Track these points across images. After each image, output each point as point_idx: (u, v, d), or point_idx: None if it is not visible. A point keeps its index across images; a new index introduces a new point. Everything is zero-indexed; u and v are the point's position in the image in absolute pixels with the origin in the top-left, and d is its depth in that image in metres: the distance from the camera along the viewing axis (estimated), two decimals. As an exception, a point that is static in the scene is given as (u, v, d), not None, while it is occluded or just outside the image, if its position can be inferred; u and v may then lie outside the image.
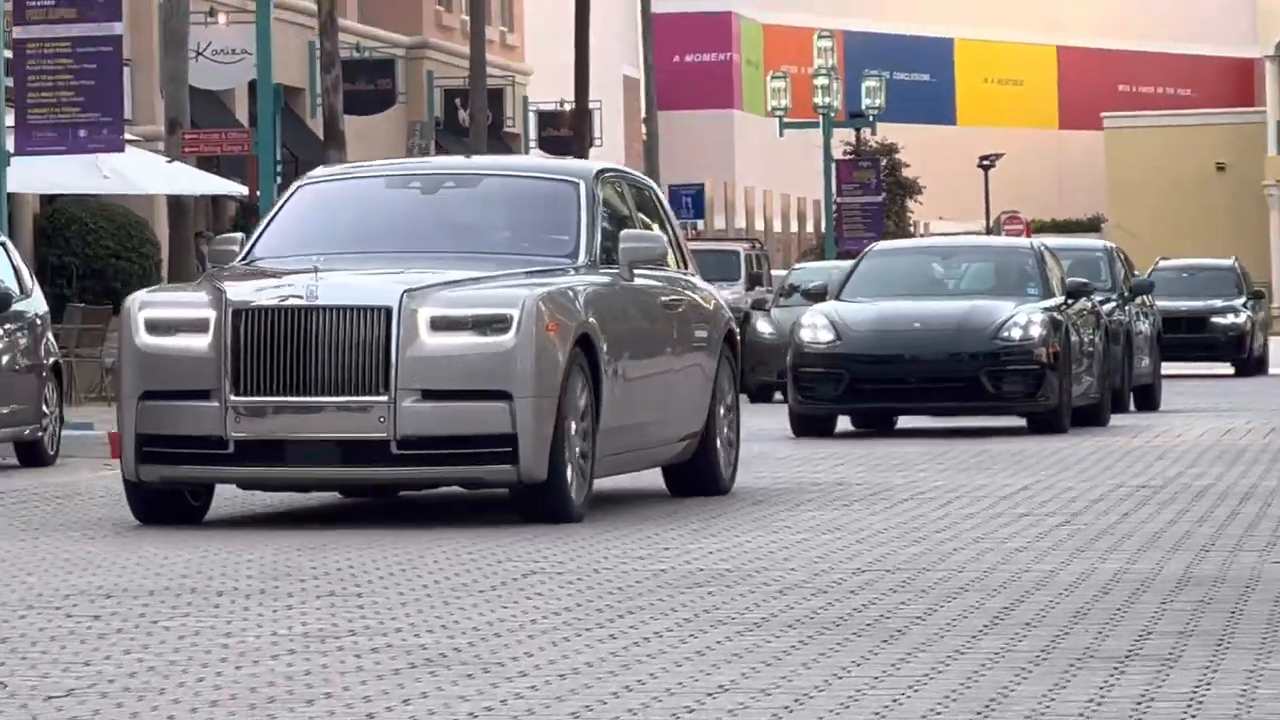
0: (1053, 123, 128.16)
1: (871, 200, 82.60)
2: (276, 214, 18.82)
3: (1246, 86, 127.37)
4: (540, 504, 16.32)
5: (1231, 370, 54.16)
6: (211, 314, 15.71)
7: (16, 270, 29.82)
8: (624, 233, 18.52)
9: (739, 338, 29.54)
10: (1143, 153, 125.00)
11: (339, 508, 19.69)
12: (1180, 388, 48.60)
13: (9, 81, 36.19)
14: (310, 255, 17.66)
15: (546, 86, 75.60)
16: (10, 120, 35.87)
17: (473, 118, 64.71)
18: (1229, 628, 12.70)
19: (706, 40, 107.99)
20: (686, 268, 21.07)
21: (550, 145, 73.52)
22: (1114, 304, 38.32)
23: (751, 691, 10.65)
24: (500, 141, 70.95)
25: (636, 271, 18.68)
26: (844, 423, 30.35)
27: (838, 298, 30.30)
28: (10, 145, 35.86)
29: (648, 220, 20.32)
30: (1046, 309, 28.61)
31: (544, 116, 75.64)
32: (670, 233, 20.86)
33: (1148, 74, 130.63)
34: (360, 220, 18.68)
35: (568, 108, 71.88)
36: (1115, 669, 11.22)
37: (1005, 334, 27.99)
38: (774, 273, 61.01)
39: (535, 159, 25.10)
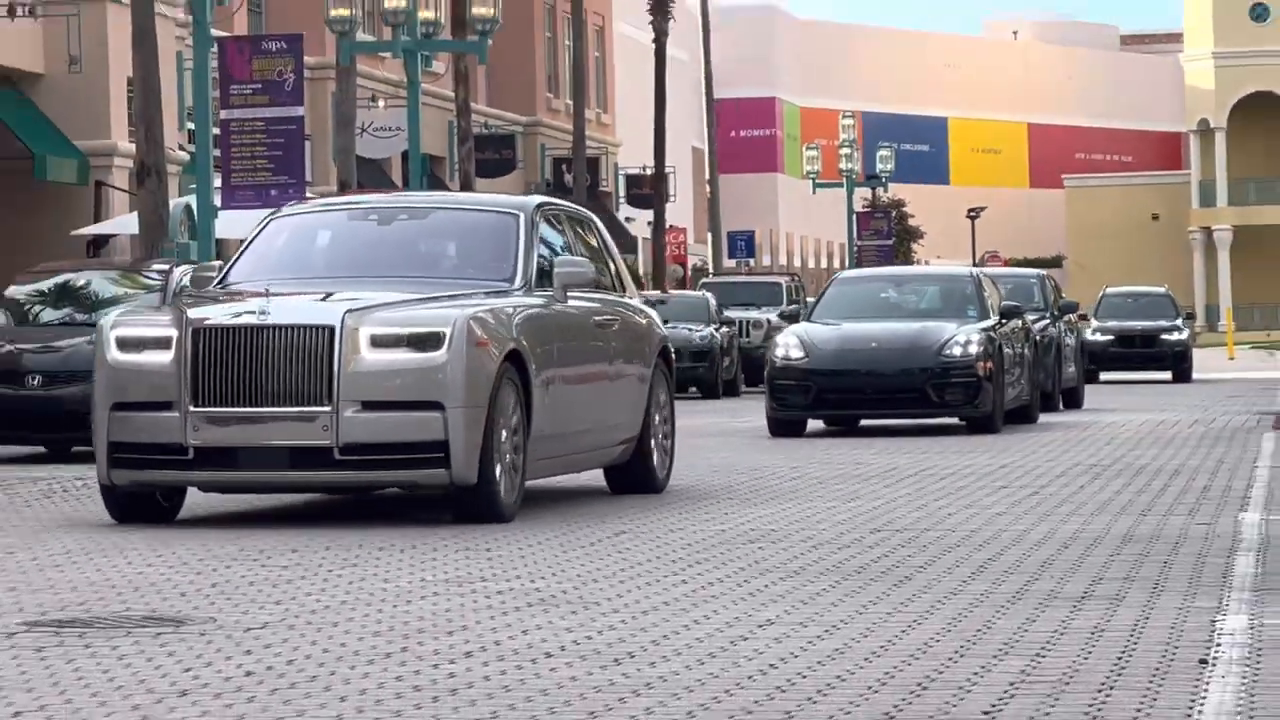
0: (1024, 183, 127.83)
1: (884, 243, 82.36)
2: (249, 245, 17.29)
3: (1175, 155, 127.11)
4: (472, 505, 14.83)
5: (1170, 377, 53.10)
6: (174, 333, 14.49)
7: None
8: (558, 259, 16.67)
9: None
10: (1094, 206, 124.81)
11: None
12: (1124, 390, 48.46)
13: (217, 152, 36.26)
14: (276, 280, 16.11)
15: (632, 155, 75.40)
16: (218, 182, 35.92)
17: (575, 180, 64.58)
18: (1162, 575, 12.67)
19: (756, 119, 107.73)
20: (624, 291, 18.88)
21: (635, 201, 73.40)
22: (1046, 321, 37.67)
23: (792, 624, 10.66)
24: (597, 200, 70.83)
25: (571, 294, 16.78)
26: (813, 423, 29.36)
27: (808, 319, 29.43)
28: (219, 201, 35.95)
29: (586, 249, 18.18)
30: (983, 329, 27.63)
31: (630, 179, 75.35)
32: (610, 260, 18.90)
33: (1099, 144, 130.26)
34: (323, 249, 17.19)
35: (648, 172, 71.56)
36: (1074, 607, 11.20)
37: (948, 351, 27.09)
38: (809, 299, 61.05)
39: (481, 195, 23.26)
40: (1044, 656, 9.51)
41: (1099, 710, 8.15)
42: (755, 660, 9.49)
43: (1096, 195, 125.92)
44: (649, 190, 71.16)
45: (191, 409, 14.48)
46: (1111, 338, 53.96)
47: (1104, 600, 11.48)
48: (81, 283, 28.51)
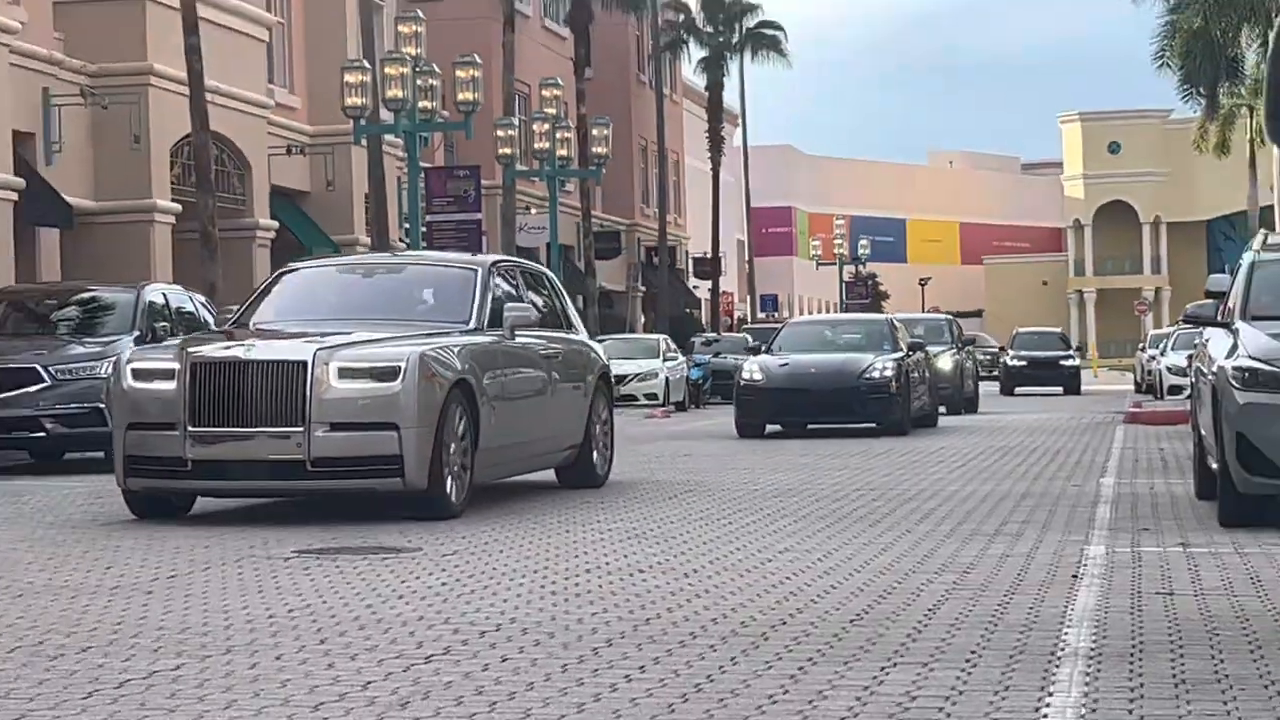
0: (957, 261, 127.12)
1: (863, 302, 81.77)
2: (262, 292, 15.30)
3: (1058, 242, 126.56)
4: (424, 506, 12.75)
5: (1062, 391, 51.02)
6: (176, 365, 12.79)
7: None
8: (507, 305, 14.48)
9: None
10: (1004, 276, 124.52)
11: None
12: (1029, 400, 48.24)
13: (424, 243, 36.39)
14: (281, 321, 14.46)
15: (697, 244, 75.43)
16: (424, 263, 36.02)
17: (660, 262, 64.55)
18: (1048, 519, 12.61)
19: (778, 221, 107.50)
20: (572, 329, 16.45)
21: (700, 275, 73.25)
22: (953, 350, 36.36)
23: (800, 551, 10.64)
24: (680, 279, 70.87)
25: (521, 332, 14.54)
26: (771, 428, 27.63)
27: (768, 351, 27.61)
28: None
29: (537, 297, 15.77)
30: (894, 359, 26.13)
31: (696, 260, 75.07)
32: (560, 305, 16.51)
33: (1007, 236, 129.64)
34: (320, 296, 15.00)
35: (708, 255, 71.61)
36: (989, 540, 11.16)
37: (868, 375, 25.73)
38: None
39: (448, 254, 20.43)
40: (969, 573, 9.49)
41: (1004, 609, 8.14)
42: (776, 575, 9.50)
43: (1005, 269, 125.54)
44: (709, 268, 71.13)
45: (190, 428, 12.70)
46: (1025, 363, 52.47)
47: (1008, 536, 11.44)
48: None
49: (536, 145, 43.31)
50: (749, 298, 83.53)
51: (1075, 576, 9.24)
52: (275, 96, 40.41)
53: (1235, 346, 11.82)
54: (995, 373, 54.05)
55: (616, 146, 51.07)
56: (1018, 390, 51.39)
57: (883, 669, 6.54)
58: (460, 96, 36.23)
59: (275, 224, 39.38)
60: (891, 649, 6.98)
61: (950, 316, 42.66)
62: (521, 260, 16.79)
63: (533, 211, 53.61)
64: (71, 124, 32.89)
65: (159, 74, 33.81)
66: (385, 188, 36.86)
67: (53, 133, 32.37)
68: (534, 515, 13.32)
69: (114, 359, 14.78)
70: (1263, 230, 16.91)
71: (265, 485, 13.18)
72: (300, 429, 12.50)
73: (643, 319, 66.12)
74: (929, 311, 49.84)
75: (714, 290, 71.15)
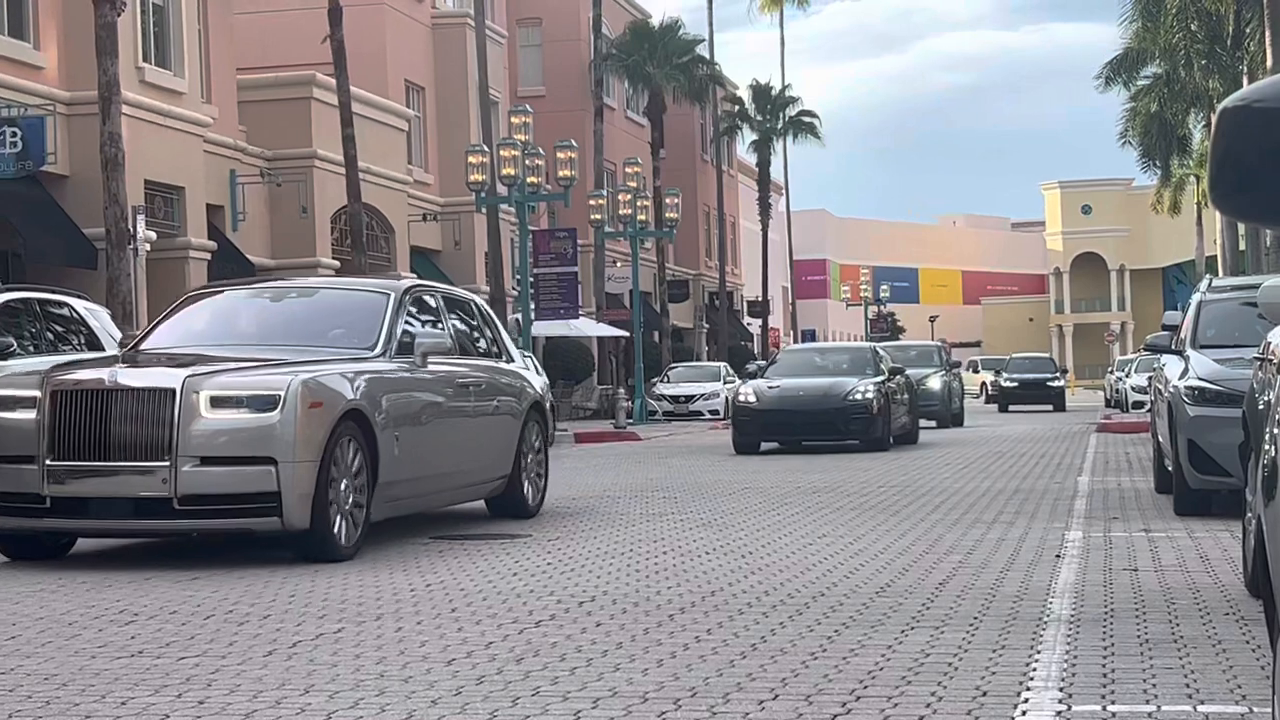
0: (960, 302, 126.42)
1: (884, 335, 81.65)
2: (164, 317, 11.62)
3: (1042, 286, 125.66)
4: (308, 546, 9.42)
5: (1052, 408, 48.34)
6: (36, 393, 9.32)
7: (535, 365, 29.43)
8: (419, 331, 11.09)
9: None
10: (998, 314, 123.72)
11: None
12: (1019, 416, 47.72)
13: (532, 291, 36.51)
14: (179, 346, 10.80)
15: (751, 290, 75.30)
16: (533, 306, 36.11)
17: (720, 304, 64.49)
18: (1035, 510, 12.51)
19: (816, 270, 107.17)
20: (503, 357, 12.71)
21: (753, 315, 72.98)
22: (942, 372, 34.04)
23: (835, 537, 10.57)
24: (736, 318, 70.61)
25: (439, 360, 11.19)
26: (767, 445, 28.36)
27: (762, 377, 24.91)
28: (534, 316, 36.12)
29: (461, 324, 12.15)
30: (875, 383, 23.72)
31: (750, 303, 74.58)
32: (492, 334, 12.79)
33: (1000, 281, 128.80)
34: (223, 322, 11.40)
35: (759, 298, 71.45)
36: (987, 526, 11.08)
37: (851, 397, 23.23)
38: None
39: (361, 280, 13.64)
40: (971, 553, 9.43)
41: (1000, 583, 8.07)
42: (815, 555, 9.46)
43: (999, 308, 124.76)
44: (759, 308, 70.93)
45: (48, 463, 9.30)
46: (1017, 384, 49.68)
47: (1002, 523, 11.35)
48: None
49: (621, 211, 43.39)
50: (792, 332, 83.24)
51: (1058, 556, 9.16)
52: (413, 174, 40.67)
53: (1186, 370, 11.79)
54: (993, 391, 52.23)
55: (685, 212, 51.08)
56: (1011, 408, 49.23)
57: (903, 631, 6.50)
58: (560, 173, 36.46)
59: (414, 277, 39.61)
60: (909, 616, 6.94)
61: (940, 343, 40.58)
62: (446, 287, 12.87)
63: (618, 265, 53.66)
64: (252, 198, 33.23)
65: (322, 157, 34.12)
66: (501, 246, 36.98)
67: (238, 205, 32.70)
68: (620, 509, 13.31)
69: None
70: (1208, 275, 16.87)
71: (129, 525, 9.56)
72: (166, 463, 9.20)
73: (706, 350, 65.98)
74: (938, 341, 47.69)
75: (764, 326, 71.05)
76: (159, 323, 11.55)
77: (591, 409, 46.74)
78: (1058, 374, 50.61)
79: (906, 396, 25.66)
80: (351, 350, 10.64)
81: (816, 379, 24.20)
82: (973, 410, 45.76)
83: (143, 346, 11.03)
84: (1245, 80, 41.80)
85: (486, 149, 33.89)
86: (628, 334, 48.00)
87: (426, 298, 11.76)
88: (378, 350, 10.70)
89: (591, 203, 42.22)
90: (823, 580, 8.23)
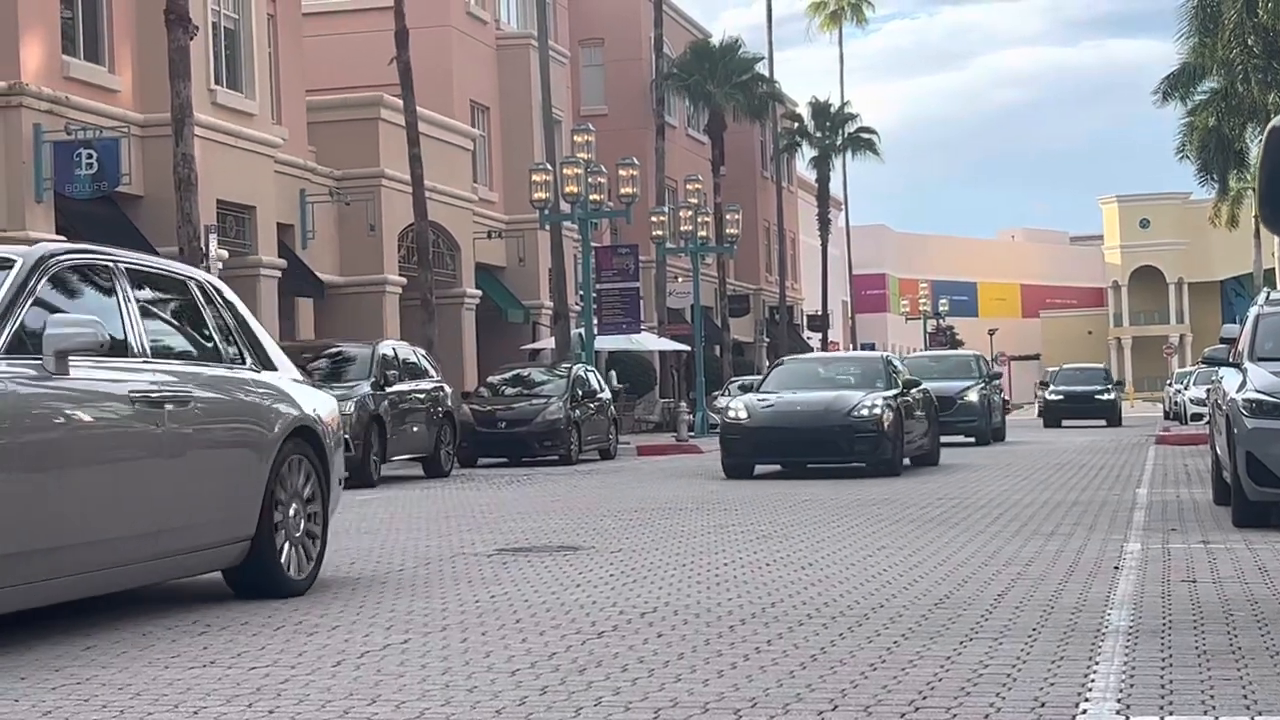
0: (1019, 315, 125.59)
1: (944, 349, 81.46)
2: None
3: (1101, 300, 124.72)
4: None
5: (1104, 423, 43.69)
6: None
7: (598, 379, 29.49)
8: (50, 319, 6.78)
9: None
10: (1056, 327, 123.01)
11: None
12: (1072, 430, 47.09)
13: (595, 305, 36.57)
14: None
15: (810, 304, 75.10)
16: (595, 320, 36.17)
17: (780, 318, 64.41)
18: (1094, 521, 12.43)
19: (875, 285, 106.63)
20: (241, 363, 8.37)
21: (813, 329, 72.70)
22: (981, 385, 31.06)
23: (894, 548, 10.52)
24: (796, 332, 70.39)
25: (86, 362, 6.90)
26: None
27: (756, 391, 21.78)
28: (596, 331, 36.19)
29: (175, 314, 8.09)
30: (885, 397, 20.38)
31: (810, 317, 74.25)
32: (227, 328, 8.44)
33: (1059, 295, 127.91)
34: None
35: (818, 313, 71.28)
36: (1046, 538, 11.00)
37: (856, 413, 19.88)
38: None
39: None
40: (1029, 566, 9.36)
41: (1059, 595, 8.02)
42: (874, 567, 9.42)
43: (1058, 321, 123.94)
44: (819, 323, 70.77)
45: None
46: (1062, 396, 45.22)
47: (1061, 535, 11.27)
48: (526, 374, 28.90)
49: (682, 228, 43.41)
50: (852, 345, 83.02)
51: (1116, 568, 9.09)
52: (478, 192, 40.87)
53: (1244, 382, 11.71)
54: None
55: (745, 227, 51.01)
56: (1064, 423, 45.09)
57: (961, 643, 6.46)
58: (622, 190, 36.54)
59: (479, 292, 39.78)
60: (968, 627, 6.90)
61: (977, 353, 37.49)
62: (146, 257, 8.24)
63: (680, 280, 53.68)
64: (321, 217, 33.47)
65: (389, 177, 34.35)
66: (564, 263, 37.10)
67: (307, 223, 32.97)
68: (682, 522, 13.31)
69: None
70: (1266, 288, 16.70)
71: None
72: None
73: (767, 363, 65.88)
74: (998, 355, 45.24)
75: (823, 340, 70.84)
76: None
77: (654, 422, 46.73)
78: (1109, 386, 46.09)
79: (924, 413, 22.25)
80: None
81: (818, 393, 20.97)
82: (1017, 425, 43.99)
83: None
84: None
85: (550, 167, 34.01)
86: (689, 348, 47.98)
87: (92, 272, 7.51)
88: None
89: (653, 219, 42.26)
90: (882, 592, 8.20)
